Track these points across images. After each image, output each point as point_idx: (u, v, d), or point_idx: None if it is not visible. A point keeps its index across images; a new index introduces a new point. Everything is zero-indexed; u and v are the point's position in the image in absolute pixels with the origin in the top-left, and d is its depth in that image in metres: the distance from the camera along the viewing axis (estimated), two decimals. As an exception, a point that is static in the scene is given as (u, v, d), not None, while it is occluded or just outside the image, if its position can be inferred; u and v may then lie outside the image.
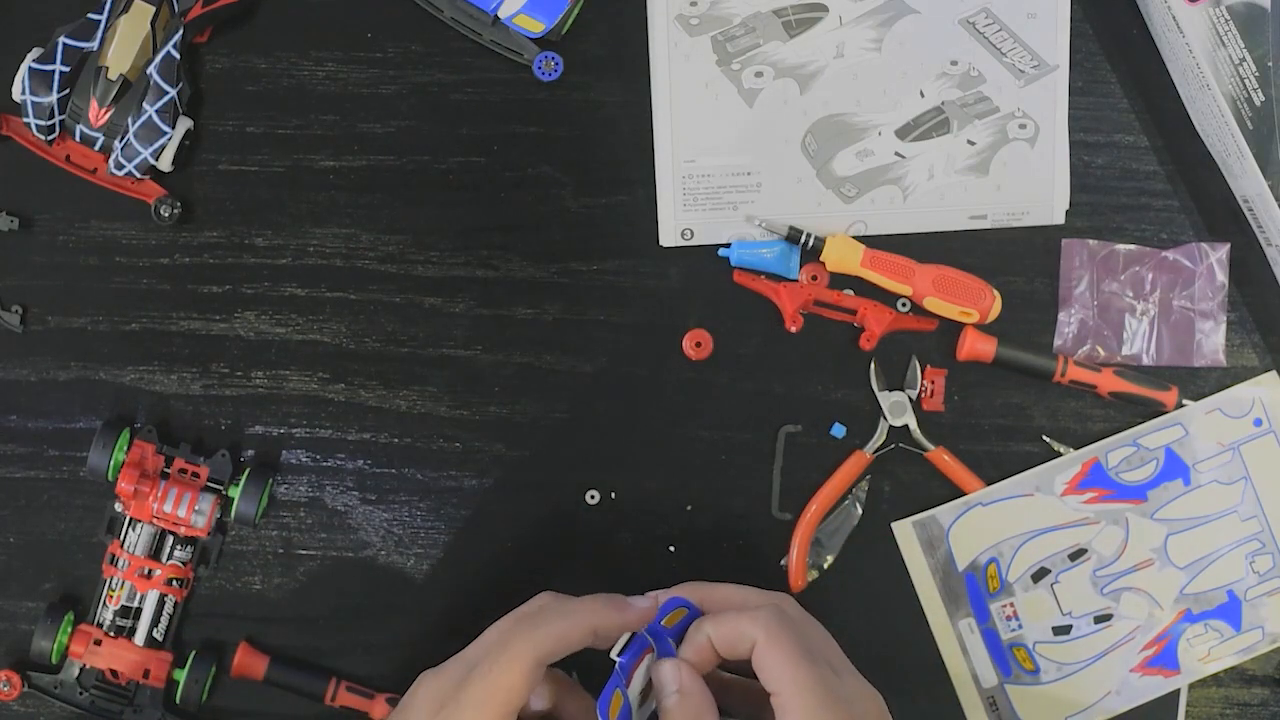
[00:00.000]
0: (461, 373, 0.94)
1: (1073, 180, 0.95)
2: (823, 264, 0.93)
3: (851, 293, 0.93)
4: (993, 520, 0.93)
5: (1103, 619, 0.93)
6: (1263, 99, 0.89)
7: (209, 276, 0.93)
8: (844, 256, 0.92)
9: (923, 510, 0.93)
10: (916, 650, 0.93)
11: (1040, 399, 0.94)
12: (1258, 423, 0.94)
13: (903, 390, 0.93)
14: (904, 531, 0.93)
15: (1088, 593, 0.93)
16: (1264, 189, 0.90)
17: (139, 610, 0.90)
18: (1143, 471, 0.94)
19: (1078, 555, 0.93)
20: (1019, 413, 0.94)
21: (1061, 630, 0.93)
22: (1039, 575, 0.93)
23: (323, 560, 0.93)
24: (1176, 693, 0.94)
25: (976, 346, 0.93)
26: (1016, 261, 0.95)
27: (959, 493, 0.93)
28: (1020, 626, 0.93)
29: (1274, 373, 0.95)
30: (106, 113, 0.89)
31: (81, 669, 0.90)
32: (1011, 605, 0.93)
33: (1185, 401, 0.94)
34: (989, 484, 0.93)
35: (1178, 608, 0.93)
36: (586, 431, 0.93)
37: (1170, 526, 0.93)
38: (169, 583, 0.91)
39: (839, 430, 0.93)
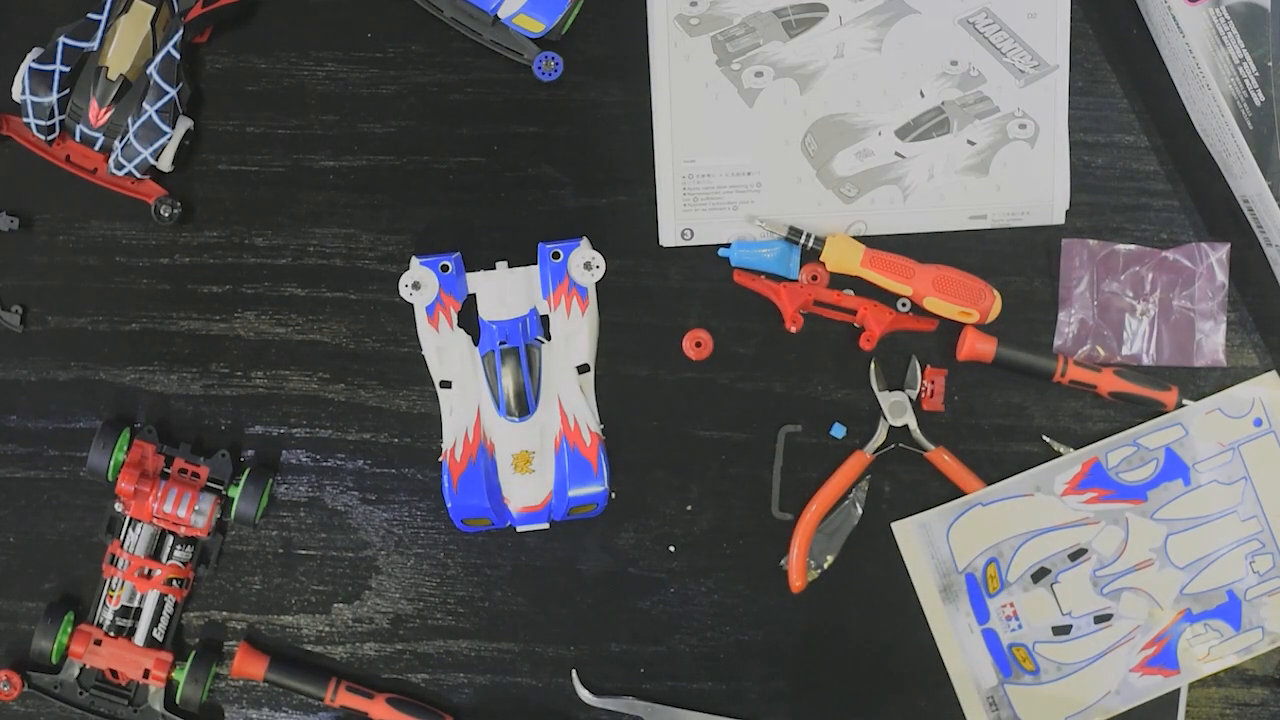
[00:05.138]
0: (461, 373, 0.93)
1: (1073, 180, 0.95)
2: (823, 264, 0.93)
3: (851, 293, 0.93)
4: (993, 520, 0.93)
5: (1103, 619, 0.93)
6: (1263, 99, 0.89)
7: (209, 276, 0.93)
8: (844, 256, 0.92)
9: (923, 510, 0.93)
10: (916, 650, 0.93)
11: (1040, 399, 0.94)
12: (1258, 423, 0.94)
13: (903, 390, 0.93)
14: (904, 531, 0.93)
15: (1088, 593, 0.93)
16: (1264, 189, 0.90)
17: (139, 610, 0.90)
18: (1143, 471, 0.94)
19: (1078, 555, 0.93)
20: (1019, 413, 0.94)
21: (1061, 630, 0.93)
22: (1039, 575, 0.93)
23: (323, 560, 0.93)
24: (1176, 693, 0.93)
25: (976, 346, 0.93)
26: (1016, 261, 0.95)
27: (959, 493, 0.93)
28: (1020, 626, 0.93)
29: (1274, 373, 0.95)
30: (106, 113, 0.89)
31: (81, 669, 0.90)
32: (1011, 605, 0.93)
33: (1185, 401, 0.94)
34: (989, 484, 0.93)
35: (1177, 607, 0.93)
36: (586, 431, 0.94)
37: (1170, 526, 0.93)
38: (169, 583, 0.90)
39: (839, 430, 0.93)
